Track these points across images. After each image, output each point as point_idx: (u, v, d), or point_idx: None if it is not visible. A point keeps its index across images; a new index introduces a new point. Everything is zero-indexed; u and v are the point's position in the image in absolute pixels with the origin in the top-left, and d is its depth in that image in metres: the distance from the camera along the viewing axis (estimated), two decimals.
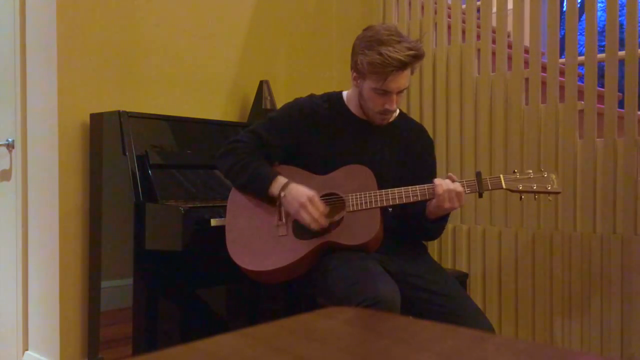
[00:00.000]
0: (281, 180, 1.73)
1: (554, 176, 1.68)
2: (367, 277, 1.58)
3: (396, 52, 1.64)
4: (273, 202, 1.76)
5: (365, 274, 1.59)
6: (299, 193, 1.69)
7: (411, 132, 1.91)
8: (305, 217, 1.67)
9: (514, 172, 1.70)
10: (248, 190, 1.79)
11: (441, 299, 1.67)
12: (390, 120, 1.87)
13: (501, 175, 1.68)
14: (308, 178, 1.78)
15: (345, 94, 1.89)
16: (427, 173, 1.81)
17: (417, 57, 1.69)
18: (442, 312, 1.65)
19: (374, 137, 1.84)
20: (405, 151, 1.87)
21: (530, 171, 1.69)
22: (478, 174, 1.68)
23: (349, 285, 1.59)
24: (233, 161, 1.79)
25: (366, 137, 1.83)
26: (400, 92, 1.74)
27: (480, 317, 1.65)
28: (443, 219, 1.79)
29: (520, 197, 1.72)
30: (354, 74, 1.78)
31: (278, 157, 1.84)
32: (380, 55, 1.65)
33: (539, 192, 1.67)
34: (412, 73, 1.75)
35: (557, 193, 1.68)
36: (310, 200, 1.68)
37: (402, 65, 1.66)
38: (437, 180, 1.66)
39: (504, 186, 1.67)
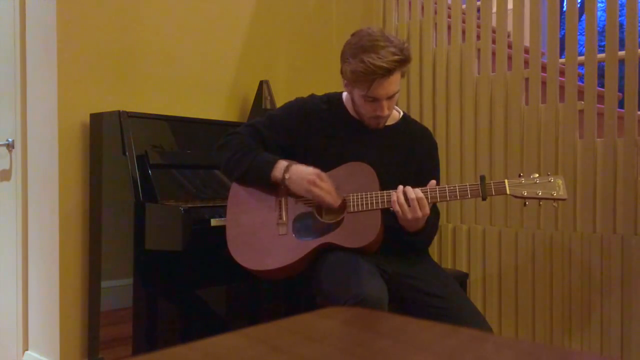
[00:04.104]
0: (282, 163, 1.73)
1: (560, 181, 1.61)
2: (354, 277, 1.58)
3: (379, 58, 1.61)
4: (278, 187, 1.76)
5: (353, 274, 1.59)
6: (305, 172, 1.69)
7: (413, 134, 1.87)
8: (317, 193, 1.67)
9: (520, 176, 1.64)
10: (249, 178, 1.78)
11: (439, 301, 1.66)
12: (389, 123, 1.85)
13: (506, 180, 1.63)
14: None
15: (344, 95, 1.88)
16: (429, 176, 1.77)
17: (402, 62, 1.65)
18: (439, 315, 1.64)
19: (372, 140, 1.82)
20: (406, 154, 1.84)
21: (537, 175, 1.62)
22: (482, 178, 1.64)
23: (337, 285, 1.59)
24: (233, 151, 1.79)
25: (364, 140, 1.81)
26: (390, 97, 1.71)
27: (478, 320, 1.64)
28: (421, 232, 1.73)
29: (525, 203, 1.65)
30: (344, 80, 1.76)
31: (275, 154, 1.83)
32: (362, 63, 1.62)
33: (543, 199, 1.61)
34: (402, 76, 1.71)
35: (563, 200, 1.61)
36: (318, 176, 1.68)
37: (387, 72, 1.63)
38: (393, 196, 1.64)
39: (508, 192, 1.61)
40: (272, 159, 1.75)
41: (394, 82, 1.68)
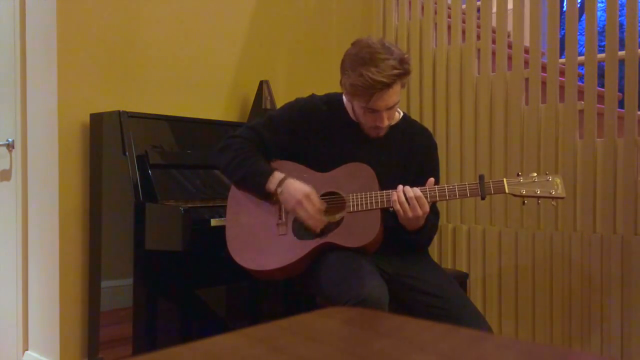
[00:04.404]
0: (278, 176, 1.72)
1: (558, 180, 1.62)
2: (355, 277, 1.58)
3: (378, 72, 1.59)
4: (271, 199, 1.76)
5: (353, 274, 1.59)
6: (296, 190, 1.68)
7: (413, 135, 1.87)
8: (302, 214, 1.67)
9: (518, 174, 1.65)
10: (245, 185, 1.79)
11: (439, 301, 1.66)
12: (392, 123, 1.85)
13: (504, 179, 1.63)
14: (309, 175, 1.77)
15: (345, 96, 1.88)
16: (428, 176, 1.75)
17: (402, 75, 1.63)
18: (439, 315, 1.64)
19: (372, 141, 1.81)
20: (406, 155, 1.84)
21: (535, 174, 1.63)
22: (481, 178, 1.64)
23: (337, 285, 1.59)
24: (231, 156, 1.79)
25: (364, 141, 1.81)
26: (390, 108, 1.70)
27: (478, 320, 1.64)
28: (421, 231, 1.73)
29: (523, 202, 1.65)
30: (344, 91, 1.75)
31: (275, 155, 1.83)
32: (361, 77, 1.60)
33: (542, 197, 1.62)
34: (403, 87, 1.70)
35: (561, 198, 1.61)
36: (307, 196, 1.67)
37: (385, 86, 1.61)
38: (393, 196, 1.64)
39: (506, 190, 1.62)
40: (268, 170, 1.74)
41: (394, 94, 1.67)
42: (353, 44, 1.71)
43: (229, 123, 2.55)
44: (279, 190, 1.70)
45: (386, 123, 1.73)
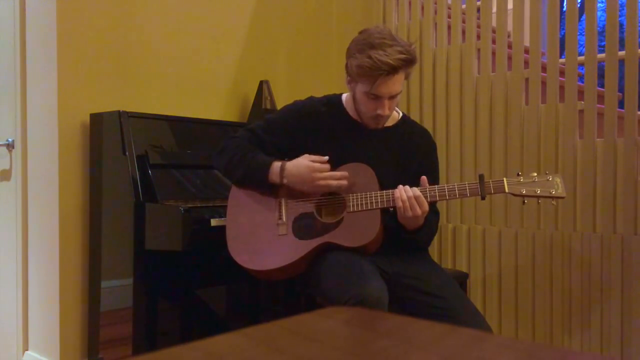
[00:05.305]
0: (276, 166, 1.73)
1: (558, 180, 1.62)
2: (355, 276, 1.58)
3: (386, 55, 1.62)
4: (275, 192, 1.76)
5: (353, 273, 1.59)
6: (300, 170, 1.70)
7: (413, 136, 1.88)
8: (326, 185, 1.69)
9: (518, 174, 1.65)
10: (248, 182, 1.79)
11: (439, 301, 1.66)
12: (389, 124, 1.85)
13: (504, 179, 1.63)
14: None
15: (344, 96, 1.88)
16: (428, 177, 1.75)
17: (408, 62, 1.66)
18: (439, 315, 1.64)
19: (372, 141, 1.82)
20: (405, 155, 1.84)
21: (535, 174, 1.64)
22: (481, 177, 1.64)
23: (337, 285, 1.60)
24: (230, 156, 1.80)
25: (364, 141, 1.81)
26: (392, 97, 1.71)
27: (478, 320, 1.64)
28: (421, 230, 1.74)
29: (523, 202, 1.66)
30: (348, 77, 1.76)
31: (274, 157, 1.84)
32: (369, 59, 1.63)
33: (542, 197, 1.62)
34: (406, 78, 1.72)
35: (561, 198, 1.62)
36: (313, 169, 1.69)
37: (392, 70, 1.64)
38: (396, 193, 1.65)
39: (506, 190, 1.62)
40: (266, 162, 1.75)
41: (398, 82, 1.69)
42: (361, 32, 1.74)
43: (229, 123, 2.56)
44: (285, 181, 1.72)
45: (387, 112, 1.74)
